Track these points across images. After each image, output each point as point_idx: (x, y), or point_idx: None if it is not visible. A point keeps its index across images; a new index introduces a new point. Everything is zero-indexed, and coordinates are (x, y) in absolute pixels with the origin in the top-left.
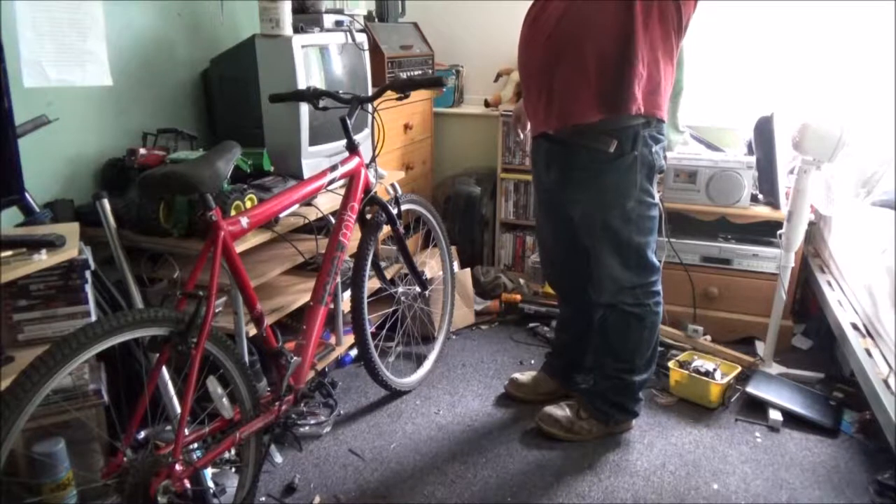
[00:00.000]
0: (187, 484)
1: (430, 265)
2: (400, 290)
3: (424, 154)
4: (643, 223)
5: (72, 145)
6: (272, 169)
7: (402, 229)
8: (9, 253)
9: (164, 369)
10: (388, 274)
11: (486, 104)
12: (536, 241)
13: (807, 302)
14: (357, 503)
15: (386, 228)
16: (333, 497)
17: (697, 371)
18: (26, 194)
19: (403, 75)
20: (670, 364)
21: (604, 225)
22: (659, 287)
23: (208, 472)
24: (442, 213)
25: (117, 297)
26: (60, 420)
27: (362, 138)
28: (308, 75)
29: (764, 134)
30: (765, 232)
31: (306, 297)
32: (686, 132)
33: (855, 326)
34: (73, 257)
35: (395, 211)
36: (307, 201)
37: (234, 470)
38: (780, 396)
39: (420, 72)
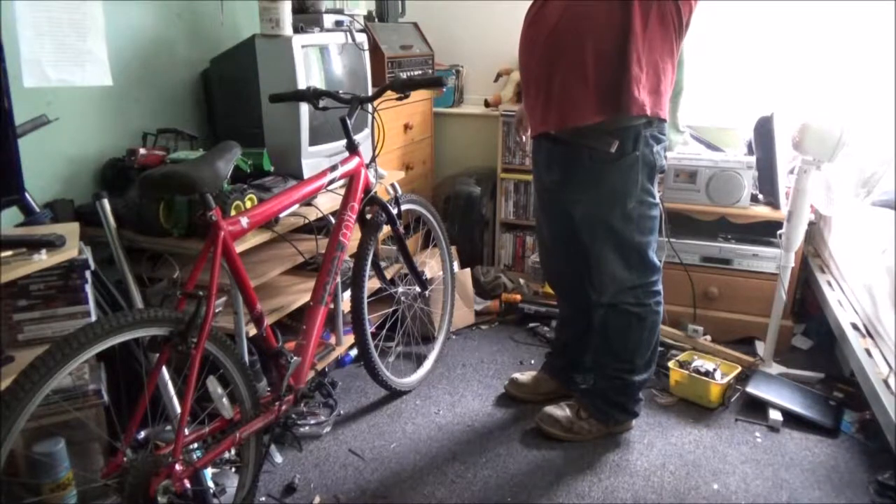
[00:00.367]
0: (187, 484)
1: (430, 265)
2: (400, 290)
3: (424, 154)
4: (644, 223)
5: (72, 145)
6: (272, 169)
7: (402, 229)
8: (9, 253)
9: (164, 369)
10: (388, 274)
11: (486, 104)
12: (536, 240)
13: (807, 302)
14: (357, 503)
15: (386, 228)
16: (333, 497)
17: (697, 371)
18: (26, 194)
19: (403, 75)
20: (670, 364)
21: (605, 225)
22: (660, 287)
23: (208, 472)
24: (442, 213)
25: (117, 297)
26: (60, 420)
27: (362, 138)
28: (308, 75)
29: (764, 134)
30: (765, 232)
31: (306, 297)
32: (686, 132)
33: (855, 326)
34: (73, 257)
35: (395, 211)
36: (307, 201)
37: (234, 470)
38: (780, 396)
39: (420, 72)
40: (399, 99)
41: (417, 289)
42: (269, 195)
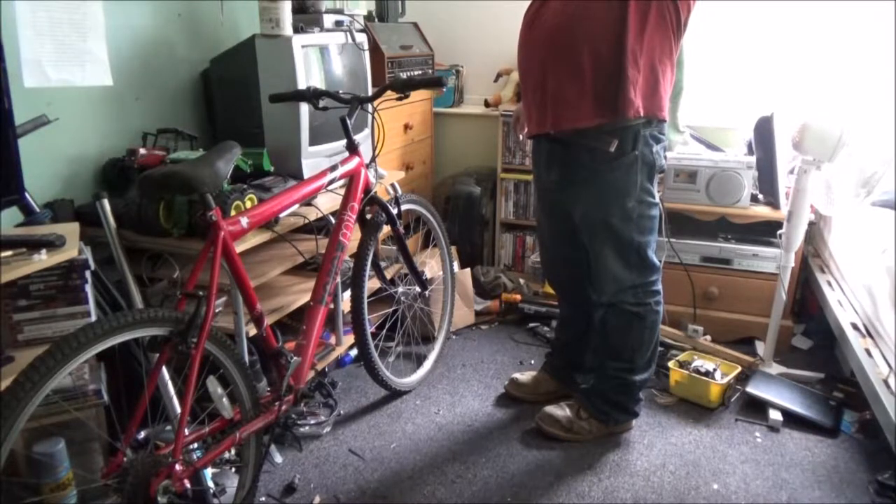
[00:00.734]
0: (187, 484)
1: (430, 265)
2: (400, 290)
3: (424, 154)
4: (644, 223)
5: (72, 145)
6: (272, 169)
7: (402, 229)
8: (9, 253)
9: (164, 369)
10: (388, 274)
11: (486, 104)
12: (537, 240)
13: (807, 302)
14: (357, 503)
15: (386, 228)
16: (333, 497)
17: (697, 371)
18: (26, 194)
19: (403, 75)
20: (670, 364)
21: (605, 224)
22: (659, 286)
23: (208, 472)
24: (442, 213)
25: (117, 297)
26: (60, 420)
27: (362, 138)
28: (308, 75)
29: (764, 134)
30: (765, 232)
31: (306, 297)
32: (686, 132)
33: (855, 326)
34: (73, 257)
35: (395, 211)
36: (307, 201)
37: (234, 470)
38: (780, 396)
39: (420, 72)
40: (399, 99)
41: (417, 289)
42: (269, 195)
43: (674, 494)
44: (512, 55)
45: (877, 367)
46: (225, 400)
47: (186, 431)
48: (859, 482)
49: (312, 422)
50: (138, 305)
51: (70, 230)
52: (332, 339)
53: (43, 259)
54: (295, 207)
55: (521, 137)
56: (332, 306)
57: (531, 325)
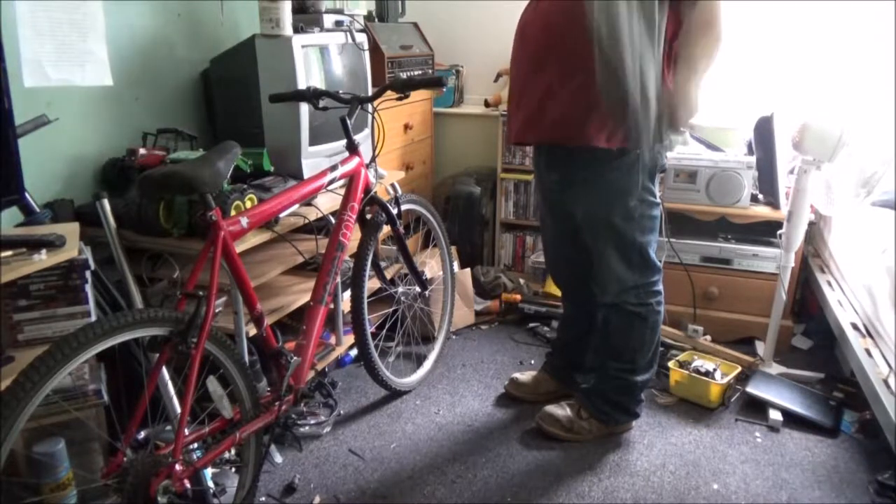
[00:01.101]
0: (187, 484)
1: (430, 265)
2: (400, 290)
3: (424, 154)
4: (645, 222)
5: (72, 145)
6: (272, 169)
7: (402, 229)
8: (9, 253)
9: (164, 369)
10: (388, 274)
11: (486, 104)
12: (541, 240)
13: (807, 302)
14: (357, 503)
15: (386, 228)
16: (333, 497)
17: (697, 371)
18: (26, 194)
19: (403, 75)
20: (670, 364)
21: (607, 224)
22: (660, 287)
23: (208, 472)
24: (442, 213)
25: (117, 297)
26: (60, 420)
27: (362, 138)
28: (308, 75)
29: (764, 134)
30: (765, 232)
31: (306, 297)
32: (686, 132)
33: (855, 326)
34: (73, 257)
35: (395, 211)
36: (307, 201)
37: (234, 470)
38: (780, 396)
39: (420, 72)
40: (399, 99)
41: (417, 289)
42: (269, 195)
43: (674, 494)
44: None
45: (877, 367)
46: (225, 400)
47: (186, 431)
48: (859, 482)
49: (312, 422)
50: (138, 305)
51: (70, 230)
52: (332, 339)
53: (43, 259)
54: (295, 207)
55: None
56: (332, 306)
57: (531, 325)
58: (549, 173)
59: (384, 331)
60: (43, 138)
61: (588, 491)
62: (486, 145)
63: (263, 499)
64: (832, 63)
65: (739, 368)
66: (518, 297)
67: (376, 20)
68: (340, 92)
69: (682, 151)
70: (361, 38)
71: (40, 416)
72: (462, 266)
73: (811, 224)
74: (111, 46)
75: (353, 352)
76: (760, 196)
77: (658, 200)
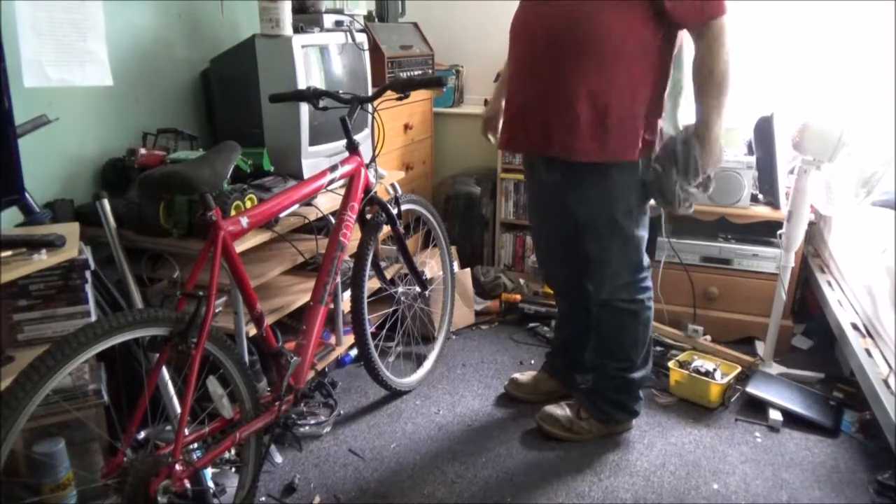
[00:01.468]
0: (187, 484)
1: (430, 265)
2: (400, 290)
3: (424, 154)
4: (642, 218)
5: (72, 145)
6: (272, 169)
7: (402, 229)
8: (9, 253)
9: (164, 369)
10: (388, 274)
11: (486, 104)
12: (533, 240)
13: (807, 302)
14: (357, 503)
15: (386, 228)
16: (333, 497)
17: (697, 371)
18: (26, 194)
19: (403, 75)
20: (670, 364)
21: (610, 221)
22: (650, 282)
23: (208, 472)
24: (442, 213)
25: (117, 297)
26: (60, 420)
27: (362, 138)
28: (308, 75)
29: (764, 134)
30: (765, 232)
31: (306, 297)
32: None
33: (855, 326)
34: (73, 257)
35: (395, 211)
36: (307, 201)
37: (234, 470)
38: (780, 396)
39: (420, 72)
40: (399, 99)
41: (417, 289)
42: (269, 195)
43: (674, 494)
44: None
45: (877, 367)
46: (225, 400)
47: (186, 431)
48: (859, 482)
49: (312, 422)
50: (138, 305)
51: (70, 230)
52: (332, 339)
53: (43, 259)
54: (295, 207)
55: (491, 140)
56: (332, 306)
57: (531, 325)
58: (550, 174)
59: (384, 331)
60: (43, 138)
61: (588, 491)
62: (486, 145)
63: (263, 499)
64: (832, 63)
65: (739, 368)
66: (518, 297)
67: (376, 20)
68: (340, 92)
69: None
70: (361, 38)
71: (40, 416)
72: (462, 266)
73: (811, 224)
74: (111, 46)
75: (353, 352)
76: (760, 196)
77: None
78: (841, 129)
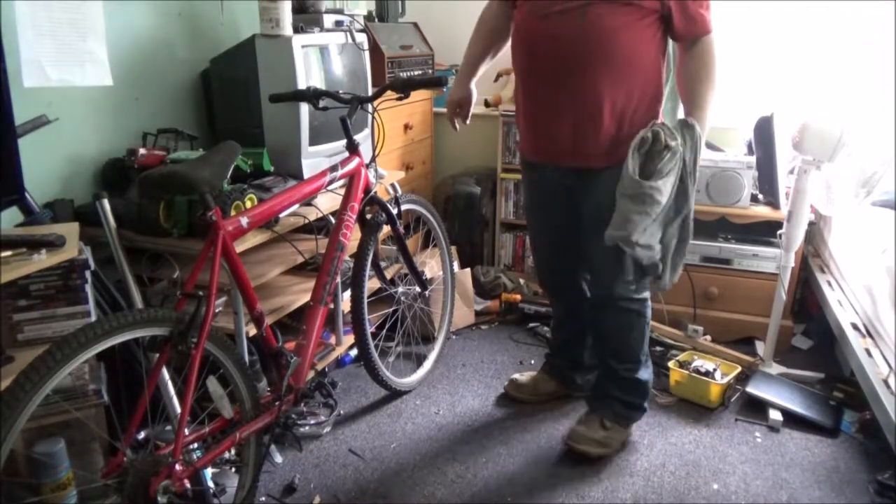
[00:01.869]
0: (187, 484)
1: (430, 265)
2: (400, 290)
3: (424, 154)
4: None
5: (72, 145)
6: (272, 169)
7: (402, 229)
8: (9, 253)
9: (164, 369)
10: (388, 274)
11: (486, 104)
12: (531, 241)
13: (807, 302)
14: (357, 503)
15: (386, 228)
16: (333, 497)
17: (697, 371)
18: (26, 194)
19: (403, 75)
20: (670, 364)
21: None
22: (647, 282)
23: (208, 472)
24: (442, 213)
25: (117, 297)
26: (60, 420)
27: (362, 138)
28: (308, 75)
29: (764, 134)
30: (765, 232)
31: (306, 297)
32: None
33: (855, 326)
34: (73, 257)
35: (395, 211)
36: (307, 201)
37: (234, 470)
38: (780, 396)
39: (420, 72)
40: (399, 99)
41: (417, 289)
42: (269, 195)
43: (674, 494)
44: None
45: (877, 367)
46: (225, 400)
47: (186, 431)
48: (859, 482)
49: (312, 422)
50: (138, 305)
51: (70, 230)
52: (332, 339)
53: (43, 259)
54: (295, 207)
55: (457, 127)
56: (332, 306)
57: (531, 325)
58: (564, 177)
59: (384, 331)
60: (43, 138)
61: (588, 491)
62: (486, 145)
63: (263, 499)
64: (832, 63)
65: (739, 368)
66: (518, 297)
67: (376, 20)
68: (340, 92)
69: None
70: (361, 38)
71: (40, 416)
72: (462, 266)
73: (811, 224)
74: (111, 46)
75: (353, 352)
76: (760, 196)
77: None
78: (841, 129)
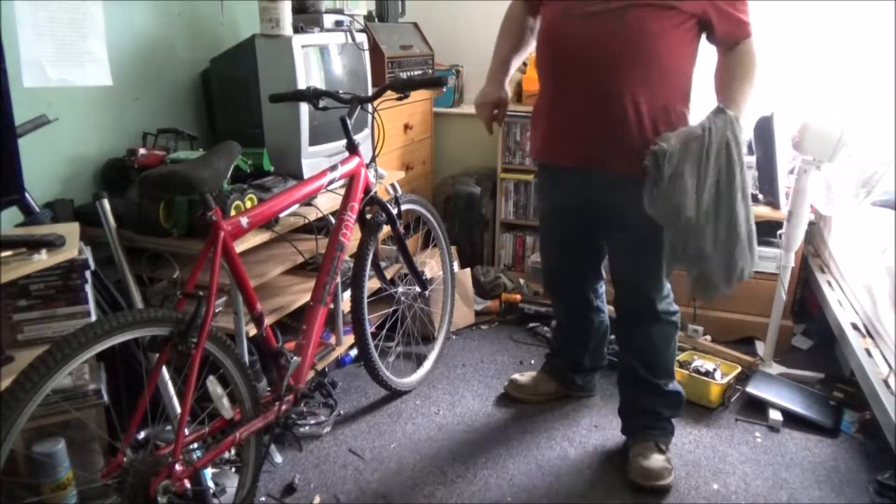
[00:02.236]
0: (187, 484)
1: (430, 265)
2: (400, 290)
3: (424, 154)
4: None
5: (72, 145)
6: (272, 169)
7: (402, 229)
8: (9, 253)
9: (164, 369)
10: (388, 274)
11: None
12: (542, 244)
13: (807, 302)
14: (357, 503)
15: (386, 228)
16: (333, 497)
17: (697, 371)
18: (26, 194)
19: (403, 75)
20: None
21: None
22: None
23: (208, 472)
24: (442, 213)
25: (117, 297)
26: (60, 420)
27: (362, 138)
28: (308, 75)
29: (764, 134)
30: (765, 232)
31: (306, 297)
32: None
33: (855, 326)
34: (73, 257)
35: (395, 211)
36: (307, 201)
37: (234, 470)
38: (780, 396)
39: (420, 72)
40: (399, 99)
41: (417, 289)
42: (269, 195)
43: (674, 494)
44: None
45: (877, 367)
46: (225, 400)
47: (186, 431)
48: (859, 482)
49: (312, 422)
50: (138, 305)
51: (70, 230)
52: (332, 339)
53: (43, 259)
54: (295, 207)
55: (492, 132)
56: (332, 306)
57: (531, 325)
58: (593, 183)
59: (384, 331)
60: (43, 138)
61: (588, 491)
62: (486, 145)
63: (263, 499)
64: (832, 63)
65: (739, 368)
66: (518, 297)
67: (376, 20)
68: (340, 92)
69: None
70: (361, 38)
71: (40, 416)
72: (462, 266)
73: (811, 224)
74: (111, 46)
75: (353, 352)
76: (760, 196)
77: None
78: (841, 129)
